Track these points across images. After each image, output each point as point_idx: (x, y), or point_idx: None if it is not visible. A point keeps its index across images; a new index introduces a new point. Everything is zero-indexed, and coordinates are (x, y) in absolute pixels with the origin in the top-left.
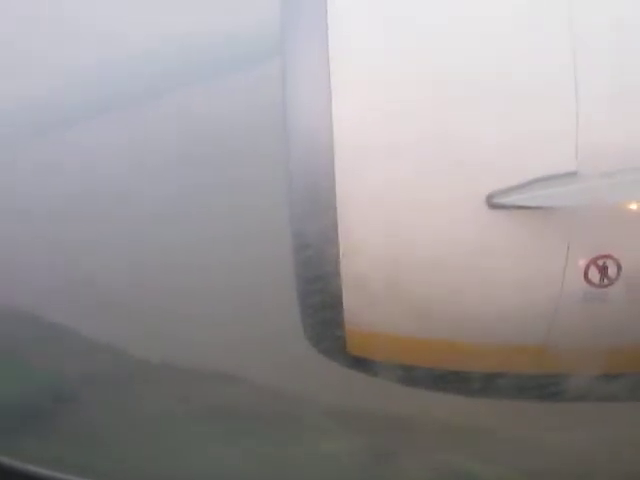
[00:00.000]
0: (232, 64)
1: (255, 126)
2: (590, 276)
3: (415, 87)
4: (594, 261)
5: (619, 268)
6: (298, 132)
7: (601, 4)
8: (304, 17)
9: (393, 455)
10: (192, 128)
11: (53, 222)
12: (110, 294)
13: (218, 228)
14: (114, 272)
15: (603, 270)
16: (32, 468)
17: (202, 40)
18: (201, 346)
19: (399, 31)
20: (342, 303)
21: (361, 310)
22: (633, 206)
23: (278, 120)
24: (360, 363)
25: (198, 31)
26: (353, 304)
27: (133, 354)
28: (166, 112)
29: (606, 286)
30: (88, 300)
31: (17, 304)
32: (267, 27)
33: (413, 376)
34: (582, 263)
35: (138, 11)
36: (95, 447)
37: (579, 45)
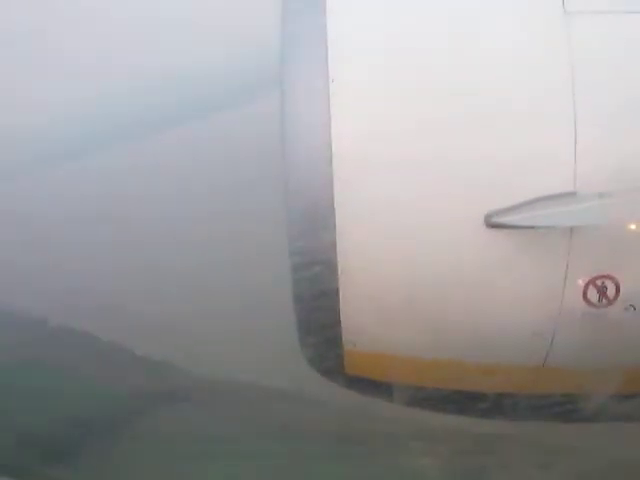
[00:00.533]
0: (232, 89)
1: (255, 148)
2: (589, 296)
3: (414, 109)
4: (593, 281)
5: (618, 288)
6: (298, 152)
7: (600, 30)
8: (304, 41)
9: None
10: (192, 154)
11: (72, 250)
12: (122, 316)
13: (217, 249)
14: (124, 295)
15: (602, 290)
16: None
17: (201, 66)
18: (202, 365)
19: (398, 54)
20: (340, 322)
21: (359, 330)
22: (632, 226)
23: (278, 141)
24: (358, 383)
25: (197, 57)
26: (351, 324)
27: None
28: (169, 139)
29: (605, 306)
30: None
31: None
32: (267, 54)
33: (414, 396)
34: (581, 283)
35: (138, 45)
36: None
37: (578, 69)
